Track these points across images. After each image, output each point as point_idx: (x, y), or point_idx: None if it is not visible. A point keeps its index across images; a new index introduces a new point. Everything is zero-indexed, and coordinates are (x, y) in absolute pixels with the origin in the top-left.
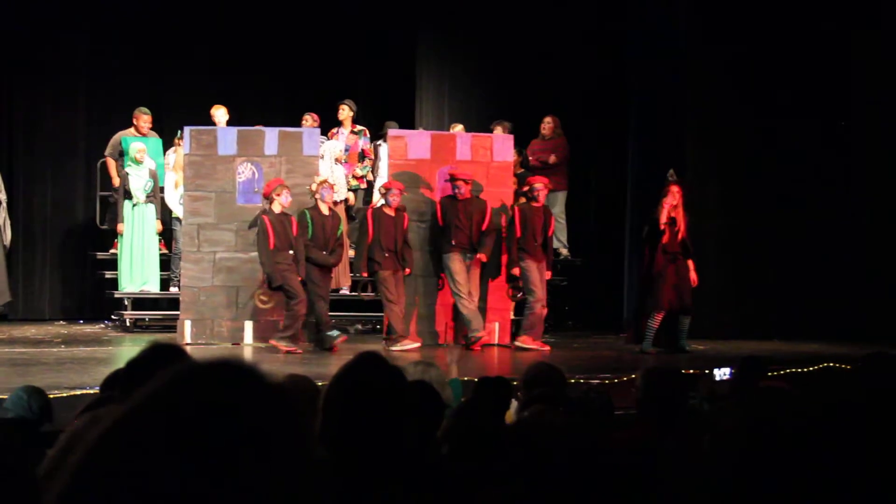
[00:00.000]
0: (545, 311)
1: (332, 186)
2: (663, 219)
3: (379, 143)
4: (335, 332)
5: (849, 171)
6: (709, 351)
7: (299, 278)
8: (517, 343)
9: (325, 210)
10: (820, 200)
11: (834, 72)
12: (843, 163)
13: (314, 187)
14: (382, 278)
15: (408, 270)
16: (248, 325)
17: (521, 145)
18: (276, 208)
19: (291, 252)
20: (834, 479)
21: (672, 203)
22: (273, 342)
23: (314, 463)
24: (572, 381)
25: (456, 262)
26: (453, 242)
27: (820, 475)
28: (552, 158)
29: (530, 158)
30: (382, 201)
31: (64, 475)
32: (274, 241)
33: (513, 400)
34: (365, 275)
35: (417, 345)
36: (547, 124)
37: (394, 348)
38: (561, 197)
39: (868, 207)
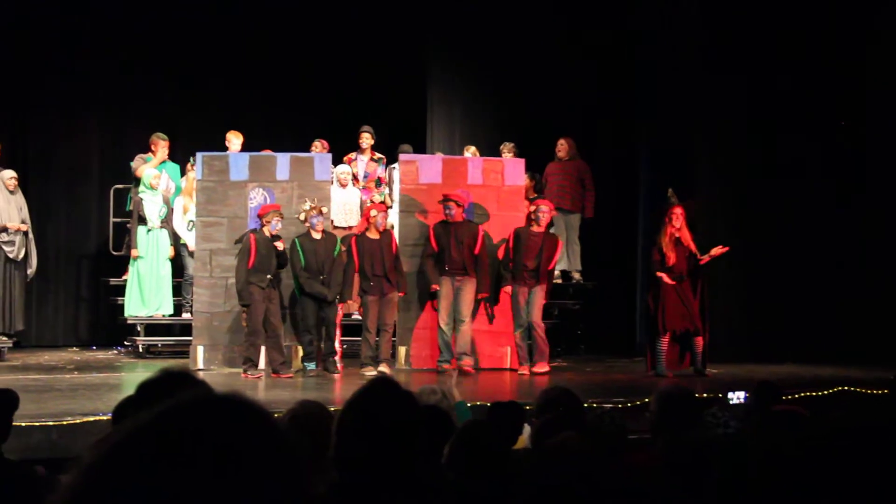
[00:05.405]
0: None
1: (321, 211)
2: (663, 243)
3: (394, 166)
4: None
5: (864, 193)
6: (723, 374)
7: (270, 307)
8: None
9: (316, 236)
10: (834, 223)
11: (848, 89)
12: (858, 185)
13: (302, 216)
14: (365, 303)
15: (402, 293)
16: (262, 351)
17: (533, 168)
18: (266, 232)
19: (269, 277)
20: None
21: (676, 226)
22: (242, 371)
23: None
24: (585, 405)
25: (443, 287)
26: (446, 268)
27: (834, 499)
28: (588, 213)
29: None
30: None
31: (58, 495)
32: (254, 261)
33: (525, 425)
34: (358, 300)
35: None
36: (562, 146)
37: (362, 371)
38: (575, 219)
39: (885, 230)
